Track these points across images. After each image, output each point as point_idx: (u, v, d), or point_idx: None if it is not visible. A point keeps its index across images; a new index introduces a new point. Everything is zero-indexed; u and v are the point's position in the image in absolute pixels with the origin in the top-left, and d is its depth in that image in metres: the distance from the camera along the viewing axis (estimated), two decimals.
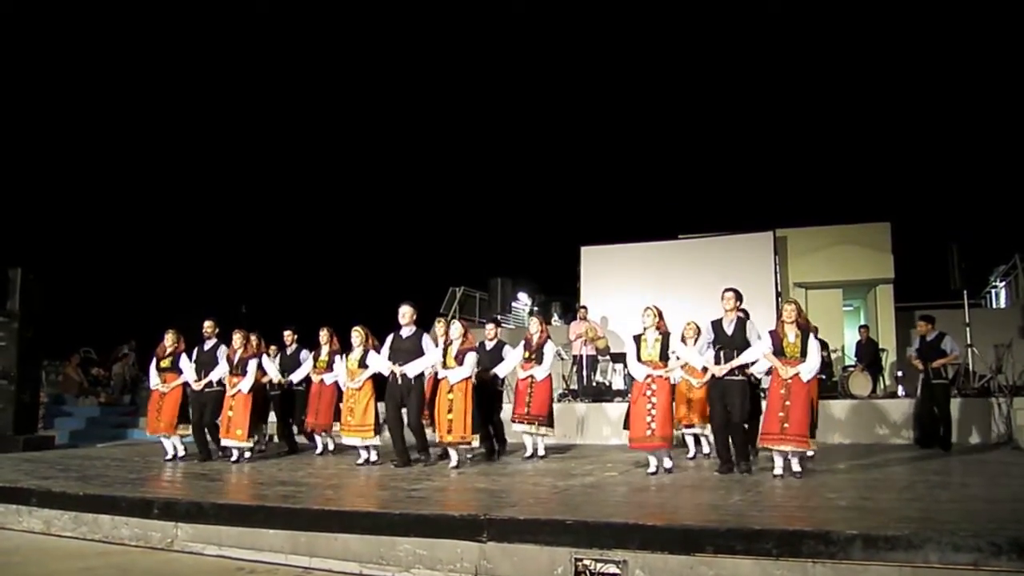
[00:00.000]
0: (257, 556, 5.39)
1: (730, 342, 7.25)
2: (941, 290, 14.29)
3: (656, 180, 26.10)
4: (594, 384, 12.96)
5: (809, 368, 6.79)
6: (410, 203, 27.31)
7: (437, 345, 8.49)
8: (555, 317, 19.66)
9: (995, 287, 17.77)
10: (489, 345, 9.25)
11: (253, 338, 9.46)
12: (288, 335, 10.28)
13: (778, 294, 14.13)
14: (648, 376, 7.14)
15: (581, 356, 13.16)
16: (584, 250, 16.24)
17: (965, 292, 12.96)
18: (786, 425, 6.69)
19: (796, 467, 6.86)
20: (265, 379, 9.67)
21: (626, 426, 7.64)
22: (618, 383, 12.70)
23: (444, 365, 8.12)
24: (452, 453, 8.14)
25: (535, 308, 19.95)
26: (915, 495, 5.86)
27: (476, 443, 8.42)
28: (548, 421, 9.04)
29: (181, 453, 9.23)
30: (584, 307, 14.17)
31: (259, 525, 5.48)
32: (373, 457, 8.53)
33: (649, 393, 7.11)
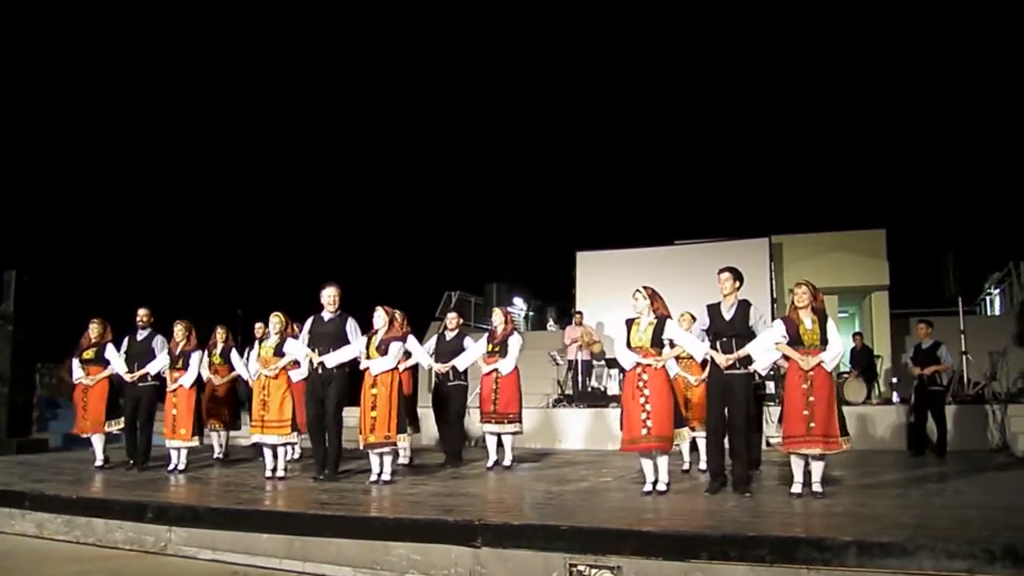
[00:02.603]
0: (251, 560, 5.37)
1: (729, 329, 6.23)
2: (936, 297, 14.34)
3: (652, 186, 26.13)
4: (589, 389, 12.96)
5: (833, 355, 6.01)
6: (406, 207, 27.31)
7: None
8: (550, 322, 19.68)
9: (990, 294, 17.81)
10: (449, 336, 8.72)
11: (220, 331, 9.09)
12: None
13: (773, 300, 14.18)
14: (638, 364, 6.18)
15: (576, 361, 13.18)
16: (580, 255, 16.32)
17: (960, 299, 12.99)
18: (812, 424, 5.81)
19: (817, 485, 5.97)
20: (229, 376, 9.25)
21: (622, 427, 6.47)
22: (613, 388, 12.70)
23: (367, 356, 7.20)
24: (374, 459, 7.13)
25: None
26: (909, 502, 5.87)
27: (402, 443, 7.46)
28: (517, 418, 8.35)
29: (100, 460, 8.61)
30: (580, 312, 14.18)
31: (253, 529, 5.46)
32: (282, 462, 7.65)
33: (641, 385, 6.12)
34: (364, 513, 5.49)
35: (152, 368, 8.44)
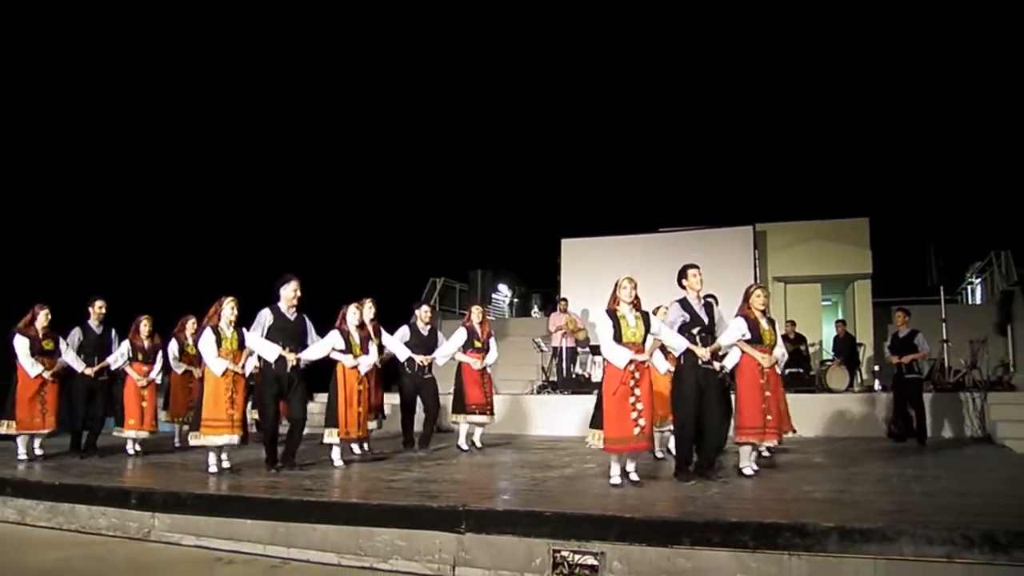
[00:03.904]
0: (235, 546, 5.37)
1: (709, 327, 6.34)
2: (918, 286, 14.48)
3: (637, 173, 26.10)
4: (574, 376, 13.00)
5: (782, 353, 6.68)
6: (391, 193, 27.20)
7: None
8: (535, 309, 19.72)
9: (971, 283, 17.98)
10: (424, 330, 8.77)
11: (191, 322, 8.85)
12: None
13: None
14: (631, 362, 5.87)
15: (561, 348, 13.22)
16: (565, 242, 16.34)
17: (941, 288, 13.13)
18: (769, 417, 6.35)
19: (749, 472, 6.46)
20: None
21: (596, 424, 6.01)
22: (598, 375, 12.74)
23: (352, 353, 7.37)
24: (356, 448, 8.17)
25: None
26: (890, 488, 5.93)
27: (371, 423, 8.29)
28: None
29: (24, 454, 8.26)
30: (564, 299, 14.21)
31: (238, 515, 5.47)
32: (225, 464, 7.19)
33: (633, 383, 5.85)
34: (348, 499, 5.50)
35: (114, 362, 8.50)
